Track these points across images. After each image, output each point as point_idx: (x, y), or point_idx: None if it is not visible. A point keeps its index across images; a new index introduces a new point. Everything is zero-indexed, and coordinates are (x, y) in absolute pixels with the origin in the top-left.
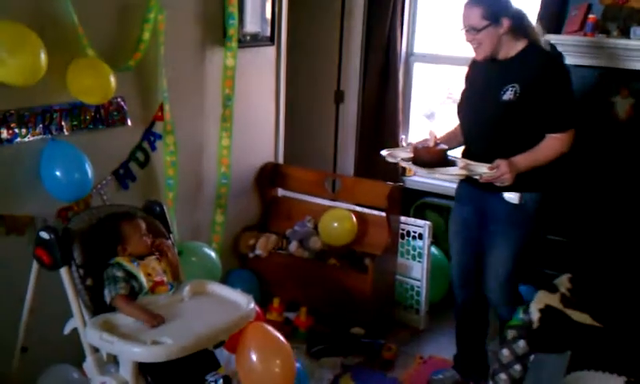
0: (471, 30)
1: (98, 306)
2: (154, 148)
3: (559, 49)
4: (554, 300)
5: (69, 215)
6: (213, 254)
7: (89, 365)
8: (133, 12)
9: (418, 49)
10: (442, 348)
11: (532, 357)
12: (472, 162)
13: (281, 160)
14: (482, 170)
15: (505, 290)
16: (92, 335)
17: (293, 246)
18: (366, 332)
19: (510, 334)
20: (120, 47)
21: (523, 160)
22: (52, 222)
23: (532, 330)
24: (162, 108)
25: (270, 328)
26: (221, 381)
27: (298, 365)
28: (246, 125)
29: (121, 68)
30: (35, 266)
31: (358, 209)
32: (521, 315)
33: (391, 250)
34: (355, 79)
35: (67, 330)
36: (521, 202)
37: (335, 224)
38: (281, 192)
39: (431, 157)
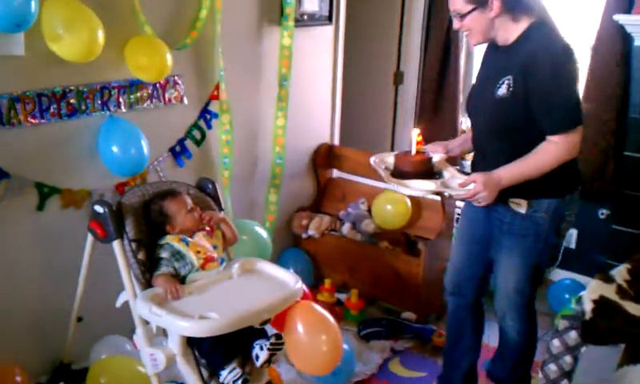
0: (457, 16)
1: (149, 280)
2: (209, 126)
3: (629, 30)
4: (609, 291)
5: (125, 190)
6: (264, 232)
7: (139, 336)
8: None
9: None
10: (494, 336)
11: (583, 349)
12: (457, 174)
13: (336, 141)
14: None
15: (512, 306)
16: (142, 308)
17: (346, 228)
18: (417, 317)
19: (562, 324)
20: (177, 25)
21: (507, 173)
22: (109, 196)
23: (584, 320)
24: (218, 87)
25: (318, 307)
26: (267, 344)
27: (345, 346)
28: (302, 105)
29: (178, 46)
30: (90, 238)
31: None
32: (573, 305)
33: (445, 235)
34: (415, 60)
35: (119, 302)
36: (528, 211)
37: (389, 207)
38: (335, 173)
39: (410, 166)
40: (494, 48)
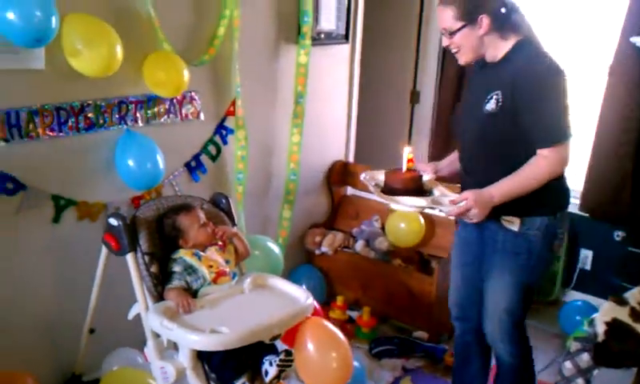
0: (446, 34)
1: (161, 293)
2: (225, 142)
3: None
4: (622, 313)
5: (140, 204)
6: (276, 248)
7: (149, 349)
8: (208, 8)
9: None
10: None
11: (595, 371)
12: (448, 193)
13: (351, 159)
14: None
15: (502, 328)
16: (153, 321)
17: (359, 245)
18: (429, 336)
19: (574, 346)
20: (195, 42)
21: (498, 190)
22: (124, 209)
23: (597, 343)
24: (234, 103)
25: (329, 323)
26: (276, 360)
27: (356, 363)
28: (318, 122)
29: (195, 63)
30: (104, 250)
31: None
32: (586, 327)
33: None
34: (431, 79)
35: (131, 314)
36: (521, 228)
37: (402, 225)
38: (349, 191)
39: (401, 183)
40: (480, 66)
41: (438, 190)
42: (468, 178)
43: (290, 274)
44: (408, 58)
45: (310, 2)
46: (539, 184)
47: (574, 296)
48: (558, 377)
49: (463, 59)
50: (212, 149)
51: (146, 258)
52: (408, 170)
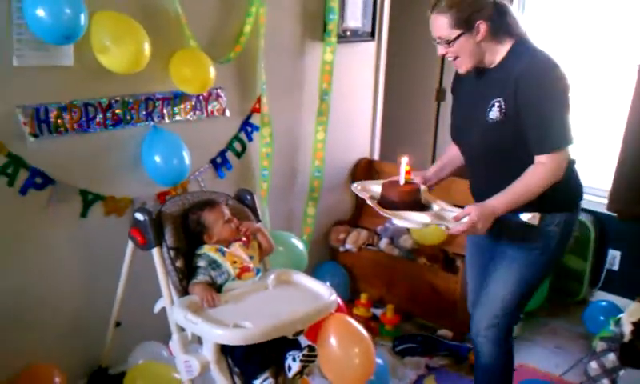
0: (443, 43)
1: (186, 288)
2: (250, 139)
3: None
4: None
5: (166, 199)
6: (300, 244)
7: (174, 343)
8: (235, 5)
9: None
10: (534, 357)
11: (622, 372)
12: (447, 207)
13: (376, 156)
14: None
15: (491, 321)
16: (178, 315)
17: (383, 243)
18: (453, 335)
19: (600, 346)
20: (221, 39)
21: (500, 202)
22: (151, 204)
23: (623, 343)
24: (259, 100)
25: (352, 320)
26: (300, 355)
27: (380, 361)
28: (343, 120)
29: (222, 60)
30: (130, 245)
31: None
32: (612, 327)
33: None
34: None
35: (157, 308)
36: (541, 223)
37: None
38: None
39: (398, 196)
40: (476, 72)
41: (437, 204)
42: (476, 183)
43: (314, 271)
44: (434, 55)
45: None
46: (539, 191)
47: (602, 296)
48: (583, 377)
49: (463, 68)
50: (237, 145)
51: (172, 252)
52: (406, 182)
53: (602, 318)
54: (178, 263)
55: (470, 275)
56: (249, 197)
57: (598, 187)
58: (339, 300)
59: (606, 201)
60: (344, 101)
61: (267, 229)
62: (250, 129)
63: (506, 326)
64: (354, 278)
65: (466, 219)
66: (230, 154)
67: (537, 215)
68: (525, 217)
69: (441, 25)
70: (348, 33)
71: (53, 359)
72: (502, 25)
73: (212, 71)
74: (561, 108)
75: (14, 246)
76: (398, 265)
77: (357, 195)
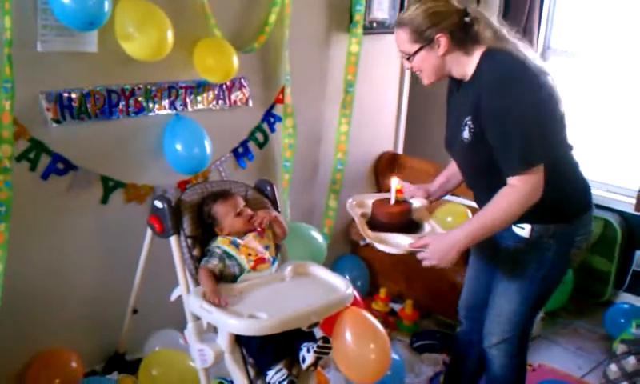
0: (405, 56)
1: None
2: (273, 130)
3: None
4: None
5: (186, 188)
6: (319, 237)
7: (189, 331)
8: None
9: (555, 42)
10: (554, 357)
11: None
12: (438, 228)
13: (400, 150)
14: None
15: (501, 336)
16: (193, 303)
17: None
18: None
19: (620, 348)
20: (246, 29)
21: (463, 233)
22: (171, 192)
23: None
24: (283, 91)
25: (368, 314)
26: (314, 347)
27: (396, 356)
28: (367, 112)
29: (246, 49)
30: (149, 232)
31: (475, 205)
32: (633, 330)
33: None
34: None
35: (173, 296)
36: (532, 235)
37: (449, 219)
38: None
39: (387, 217)
40: (456, 86)
41: (429, 224)
42: (476, 193)
43: (335, 264)
44: None
45: None
46: (515, 214)
47: (627, 298)
48: (602, 380)
49: (426, 81)
50: (259, 136)
51: (189, 241)
52: (397, 201)
53: (622, 320)
54: (195, 252)
55: (468, 273)
56: (268, 187)
57: (626, 187)
58: (356, 293)
59: (634, 201)
60: (369, 93)
61: (287, 220)
62: (272, 119)
63: (518, 339)
64: (373, 272)
65: (424, 252)
66: (251, 145)
67: (528, 227)
68: (517, 229)
69: (402, 39)
70: (374, 24)
71: (70, 344)
72: (467, 36)
73: (235, 60)
74: (524, 125)
75: (34, 231)
76: (418, 260)
77: (379, 188)
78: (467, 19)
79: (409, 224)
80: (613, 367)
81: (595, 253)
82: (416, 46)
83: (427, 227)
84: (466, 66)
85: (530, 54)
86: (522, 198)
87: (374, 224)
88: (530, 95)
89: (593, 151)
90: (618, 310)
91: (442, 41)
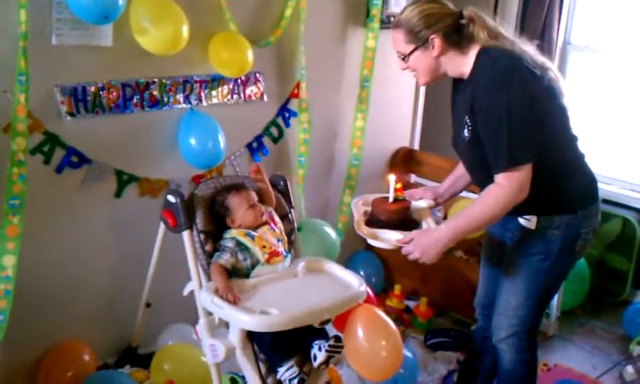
0: (400, 56)
1: None
2: (287, 124)
3: None
4: None
5: (200, 182)
6: (332, 233)
7: (201, 326)
8: None
9: (575, 38)
10: (570, 357)
11: None
12: (433, 226)
13: (416, 146)
14: None
15: (509, 331)
16: (205, 298)
17: None
18: None
19: (637, 350)
20: (261, 23)
21: (449, 229)
22: (185, 187)
23: None
24: (298, 85)
25: (380, 311)
26: (326, 345)
27: (409, 354)
28: (383, 107)
29: (261, 44)
30: (162, 227)
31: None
32: None
33: None
34: None
35: (186, 291)
36: (538, 228)
37: None
38: (413, 178)
39: (385, 214)
40: (456, 82)
41: (427, 223)
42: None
43: (349, 260)
44: None
45: None
46: (500, 212)
47: None
48: (618, 381)
49: (421, 81)
50: (274, 131)
51: (202, 236)
52: (395, 199)
53: None
54: (208, 247)
55: (481, 271)
56: (282, 182)
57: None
58: (369, 290)
59: None
60: (385, 88)
61: (302, 216)
62: (287, 114)
63: (526, 332)
64: (388, 268)
65: (408, 246)
66: (266, 140)
67: (534, 218)
68: (522, 220)
69: (398, 40)
70: (392, 19)
71: (83, 337)
72: (462, 37)
73: (250, 55)
74: (512, 123)
75: (48, 224)
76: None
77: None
78: (462, 21)
79: (407, 222)
80: (629, 369)
81: (613, 251)
82: (411, 47)
83: (424, 226)
84: (463, 65)
85: (529, 49)
86: (508, 196)
87: (373, 221)
88: (520, 92)
89: (613, 148)
90: (637, 309)
91: (436, 42)
